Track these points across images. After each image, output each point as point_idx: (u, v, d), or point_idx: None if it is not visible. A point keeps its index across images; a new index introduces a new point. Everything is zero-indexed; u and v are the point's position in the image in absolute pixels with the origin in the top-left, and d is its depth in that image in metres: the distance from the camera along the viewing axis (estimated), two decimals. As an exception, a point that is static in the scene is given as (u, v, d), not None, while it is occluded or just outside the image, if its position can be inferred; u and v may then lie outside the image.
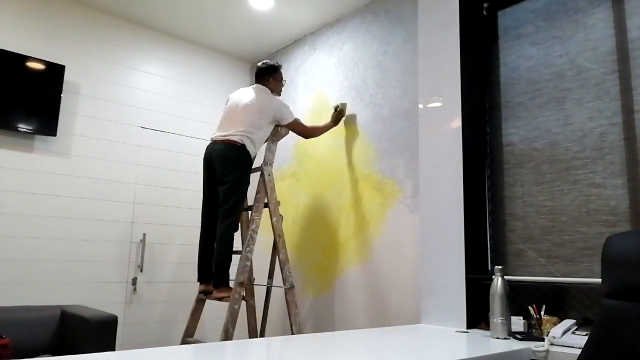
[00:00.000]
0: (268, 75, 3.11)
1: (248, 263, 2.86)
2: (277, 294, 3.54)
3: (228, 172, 2.85)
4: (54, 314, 2.89)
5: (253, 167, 3.17)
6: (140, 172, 3.67)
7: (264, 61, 3.19)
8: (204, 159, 3.00)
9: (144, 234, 3.62)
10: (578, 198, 2.13)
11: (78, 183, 3.36)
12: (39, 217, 3.17)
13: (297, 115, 3.19)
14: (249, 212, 3.33)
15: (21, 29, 3.24)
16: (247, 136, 2.89)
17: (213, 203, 2.96)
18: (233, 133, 2.89)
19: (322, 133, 3.27)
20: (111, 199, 3.49)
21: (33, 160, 3.19)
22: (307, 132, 3.19)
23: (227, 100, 3.15)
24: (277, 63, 3.19)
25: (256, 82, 3.14)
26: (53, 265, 3.19)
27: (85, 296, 3.29)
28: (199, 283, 3.00)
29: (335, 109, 3.28)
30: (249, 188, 3.36)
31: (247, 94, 3.05)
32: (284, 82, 3.26)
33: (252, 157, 2.98)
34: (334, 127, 3.29)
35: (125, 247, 3.53)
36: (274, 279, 3.21)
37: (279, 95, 3.21)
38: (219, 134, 2.96)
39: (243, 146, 2.87)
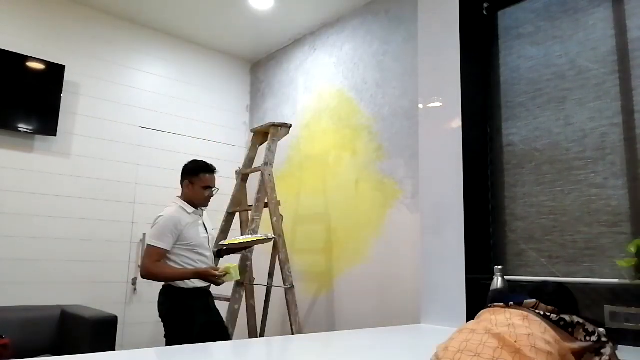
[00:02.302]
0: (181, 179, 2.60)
1: (248, 263, 2.86)
2: (277, 294, 3.53)
3: None
4: (54, 314, 2.89)
5: (254, 167, 3.17)
6: (140, 172, 3.66)
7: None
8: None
9: (144, 234, 3.61)
10: (579, 198, 2.13)
11: (78, 183, 3.35)
12: (39, 217, 3.17)
13: (297, 116, 3.18)
14: (249, 212, 3.34)
15: (21, 29, 3.24)
16: None
17: None
18: None
19: (151, 278, 2.36)
20: (111, 199, 3.49)
21: (33, 160, 3.19)
22: (142, 267, 2.34)
23: None
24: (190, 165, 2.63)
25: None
26: (53, 265, 3.19)
27: (85, 296, 3.28)
28: None
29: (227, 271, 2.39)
30: (247, 188, 3.37)
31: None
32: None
33: None
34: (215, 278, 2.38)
35: (125, 247, 3.52)
36: (273, 279, 3.22)
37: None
38: None
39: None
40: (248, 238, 2.67)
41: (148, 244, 2.33)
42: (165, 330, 2.33)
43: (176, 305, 2.33)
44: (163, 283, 2.38)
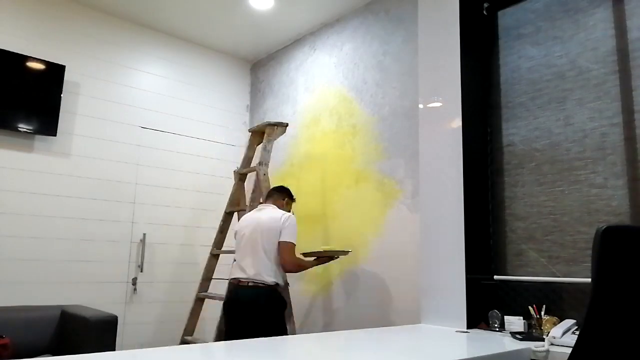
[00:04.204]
0: (282, 195, 2.80)
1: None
2: (277, 294, 3.54)
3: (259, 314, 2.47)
4: (54, 314, 2.89)
5: (251, 165, 3.16)
6: (140, 172, 3.66)
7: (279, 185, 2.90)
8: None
9: (144, 234, 3.62)
10: (579, 198, 2.13)
11: (78, 183, 3.36)
12: (39, 217, 3.17)
13: (298, 116, 3.18)
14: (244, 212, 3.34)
15: (21, 29, 3.24)
16: (271, 266, 2.53)
17: None
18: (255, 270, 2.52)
19: (302, 269, 2.70)
20: (111, 199, 3.49)
21: (33, 160, 3.19)
22: (291, 262, 2.56)
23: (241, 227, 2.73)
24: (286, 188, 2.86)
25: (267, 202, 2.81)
26: (53, 265, 3.19)
27: (85, 296, 3.28)
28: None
29: (326, 253, 2.80)
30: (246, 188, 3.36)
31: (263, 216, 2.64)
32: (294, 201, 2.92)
33: (277, 281, 2.55)
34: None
35: (125, 247, 3.52)
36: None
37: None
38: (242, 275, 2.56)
39: (268, 284, 2.50)
40: (331, 248, 2.99)
41: (288, 241, 2.54)
42: (261, 326, 2.41)
43: (282, 301, 2.57)
44: (252, 283, 2.50)
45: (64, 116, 3.33)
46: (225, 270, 3.04)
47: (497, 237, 2.43)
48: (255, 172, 3.11)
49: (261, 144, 3.22)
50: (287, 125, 3.26)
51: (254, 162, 3.33)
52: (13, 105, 3.09)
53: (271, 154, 3.18)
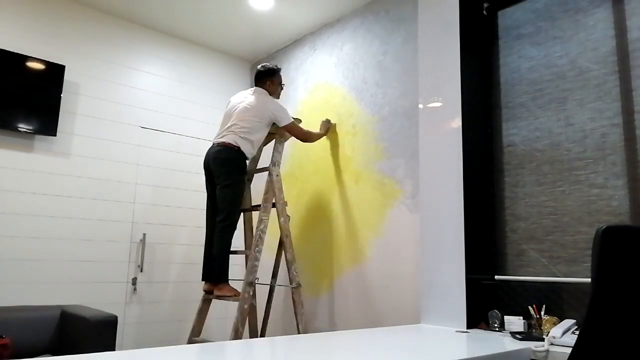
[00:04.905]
0: (266, 78, 3.14)
1: (257, 263, 2.86)
2: (276, 293, 3.54)
3: (221, 174, 2.90)
4: (54, 314, 2.89)
5: (260, 167, 3.17)
6: (140, 172, 3.66)
7: (263, 64, 3.20)
8: (204, 161, 3.04)
9: (144, 234, 3.61)
10: (580, 198, 2.13)
11: (78, 183, 3.35)
12: (39, 217, 3.17)
13: (298, 116, 3.19)
14: (253, 212, 3.34)
15: (21, 29, 3.24)
16: (242, 137, 2.91)
17: (215, 203, 2.98)
18: (228, 135, 2.93)
19: (316, 139, 3.33)
20: (111, 199, 3.49)
21: (33, 160, 3.19)
22: (303, 136, 3.18)
23: (228, 103, 3.16)
24: (276, 66, 3.20)
25: (255, 85, 3.16)
26: (53, 265, 3.19)
27: (85, 296, 3.28)
28: (203, 282, 3.02)
29: (328, 121, 3.39)
30: (252, 188, 3.37)
31: (245, 96, 3.08)
32: (282, 85, 3.27)
33: (249, 157, 2.99)
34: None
35: (125, 247, 3.52)
36: (277, 279, 3.22)
37: (278, 97, 3.22)
38: (216, 138, 3.02)
39: (237, 148, 2.91)
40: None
41: (287, 124, 3.03)
42: (223, 182, 2.92)
43: (241, 163, 3.01)
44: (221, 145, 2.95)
45: (64, 116, 3.33)
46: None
47: (498, 237, 2.43)
48: (263, 173, 3.11)
49: (271, 143, 3.23)
50: (300, 122, 3.26)
51: (262, 162, 3.33)
52: (13, 105, 3.09)
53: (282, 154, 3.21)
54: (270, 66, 3.18)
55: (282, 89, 3.27)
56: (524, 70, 2.43)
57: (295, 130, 3.11)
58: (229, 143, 2.91)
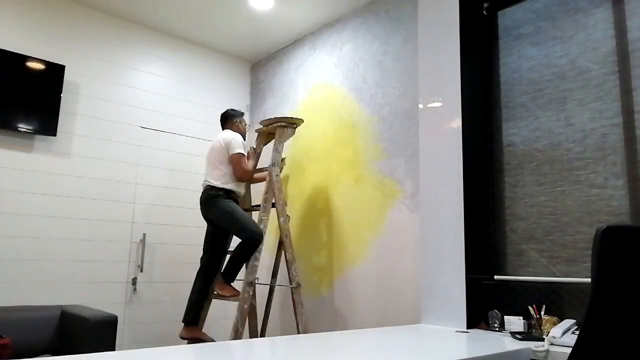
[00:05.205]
0: (227, 124, 3.25)
1: (257, 263, 2.86)
2: (276, 293, 3.54)
3: (212, 214, 3.03)
4: (54, 314, 2.89)
5: (259, 167, 3.18)
6: (140, 172, 3.66)
7: (227, 109, 3.32)
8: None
9: (144, 234, 3.62)
10: (580, 198, 2.13)
11: (78, 183, 3.35)
12: (39, 217, 3.17)
13: (298, 116, 3.18)
14: (252, 212, 3.34)
15: (21, 29, 3.24)
16: (215, 179, 3.01)
17: (214, 231, 3.13)
18: (205, 182, 3.07)
19: (252, 181, 3.33)
20: (111, 199, 3.49)
21: (33, 160, 3.19)
22: (241, 172, 3.03)
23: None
24: (233, 110, 3.30)
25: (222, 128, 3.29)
26: (53, 265, 3.19)
27: (85, 296, 3.28)
28: (183, 324, 3.03)
29: (283, 160, 3.40)
30: (252, 188, 3.38)
31: (215, 140, 3.16)
32: (247, 126, 3.40)
33: (231, 183, 3.04)
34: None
35: (125, 247, 3.52)
36: (277, 279, 3.22)
37: (244, 136, 3.23)
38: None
39: (213, 186, 3.01)
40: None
41: (234, 154, 3.00)
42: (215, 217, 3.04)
43: (219, 192, 3.05)
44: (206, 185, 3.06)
45: (64, 116, 3.33)
46: (225, 270, 3.03)
47: (497, 237, 2.43)
48: (267, 173, 3.11)
49: (270, 144, 3.23)
50: (296, 125, 3.22)
51: (262, 162, 3.33)
52: (13, 105, 3.09)
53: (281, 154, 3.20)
54: (229, 112, 3.28)
55: (247, 129, 3.37)
56: (524, 70, 2.43)
57: (236, 162, 3.02)
58: (207, 187, 3.03)
